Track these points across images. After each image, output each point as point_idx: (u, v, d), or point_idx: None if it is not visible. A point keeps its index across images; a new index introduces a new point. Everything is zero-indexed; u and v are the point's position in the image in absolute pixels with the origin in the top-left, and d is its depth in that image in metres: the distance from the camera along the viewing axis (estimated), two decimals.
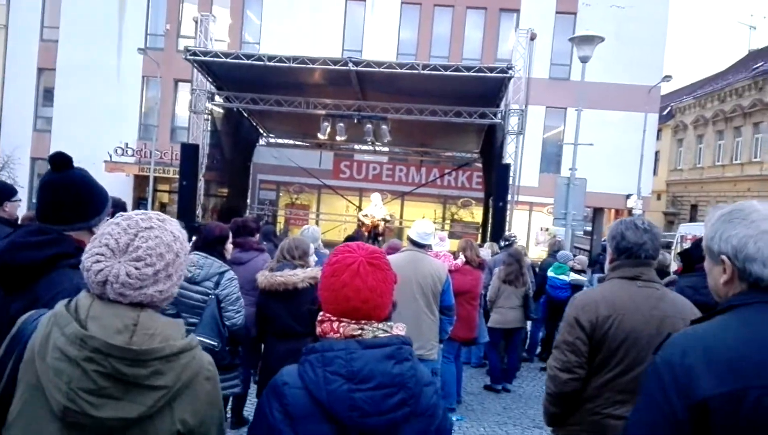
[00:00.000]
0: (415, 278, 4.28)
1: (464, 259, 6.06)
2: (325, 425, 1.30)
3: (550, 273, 7.85)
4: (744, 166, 28.36)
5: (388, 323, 1.41)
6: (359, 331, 1.36)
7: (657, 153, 38.04)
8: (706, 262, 1.49)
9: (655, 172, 38.91)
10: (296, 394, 1.32)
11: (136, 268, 1.24)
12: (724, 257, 1.39)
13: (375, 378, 1.31)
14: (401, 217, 21.20)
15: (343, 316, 1.38)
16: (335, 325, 1.38)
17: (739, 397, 1.19)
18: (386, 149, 19.03)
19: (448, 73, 11.90)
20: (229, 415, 4.73)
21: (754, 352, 1.23)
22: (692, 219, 29.31)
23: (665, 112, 33.81)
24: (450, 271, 5.77)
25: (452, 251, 6.77)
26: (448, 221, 22.25)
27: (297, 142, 19.29)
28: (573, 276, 7.76)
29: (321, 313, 1.42)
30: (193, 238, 3.86)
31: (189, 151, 13.88)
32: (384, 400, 1.31)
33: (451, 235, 14.29)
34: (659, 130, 31.07)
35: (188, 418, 1.27)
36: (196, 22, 14.66)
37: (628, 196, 20.45)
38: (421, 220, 4.72)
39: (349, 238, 11.53)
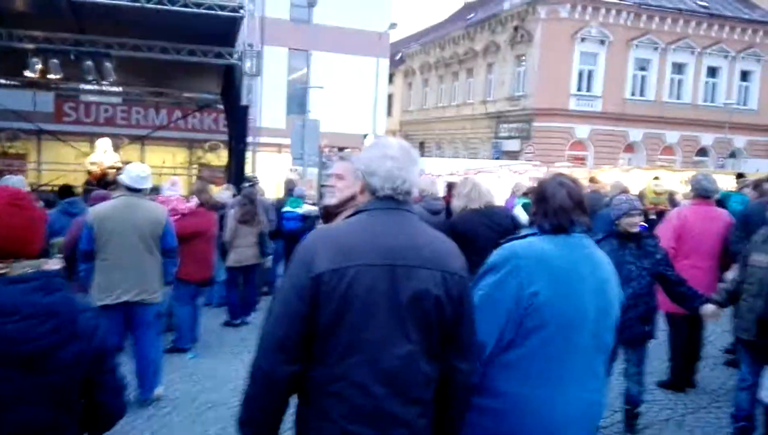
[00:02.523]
0: (132, 223, 4.26)
1: (198, 202, 6.11)
2: None
3: (285, 208, 8.32)
4: (460, 107, 32.63)
5: (39, 260, 1.52)
6: (6, 269, 1.46)
7: (391, 96, 41.39)
8: None
9: (389, 114, 42.40)
10: None
11: None
12: (359, 173, 1.81)
13: (21, 310, 1.44)
14: (144, 162, 19.78)
15: None
16: None
17: (342, 272, 1.60)
18: (118, 89, 17.38)
19: (175, 8, 11.26)
20: None
21: (359, 241, 1.66)
22: (420, 155, 32.83)
23: (397, 58, 36.77)
24: (183, 214, 5.81)
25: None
26: (195, 166, 21.47)
27: (1, 81, 16.48)
28: (306, 208, 8.31)
29: None
30: None
31: None
32: (34, 328, 1.44)
33: (201, 179, 13.92)
34: (392, 75, 33.82)
35: None
36: None
37: (365, 136, 22.08)
38: (134, 164, 4.65)
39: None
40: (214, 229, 6.38)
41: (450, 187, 7.75)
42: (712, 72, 27.78)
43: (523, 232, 2.16)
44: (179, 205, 5.88)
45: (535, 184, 2.33)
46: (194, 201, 6.12)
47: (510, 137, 27.38)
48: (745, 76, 28.18)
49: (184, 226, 5.30)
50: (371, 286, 1.60)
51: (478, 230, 4.09)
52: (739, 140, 27.93)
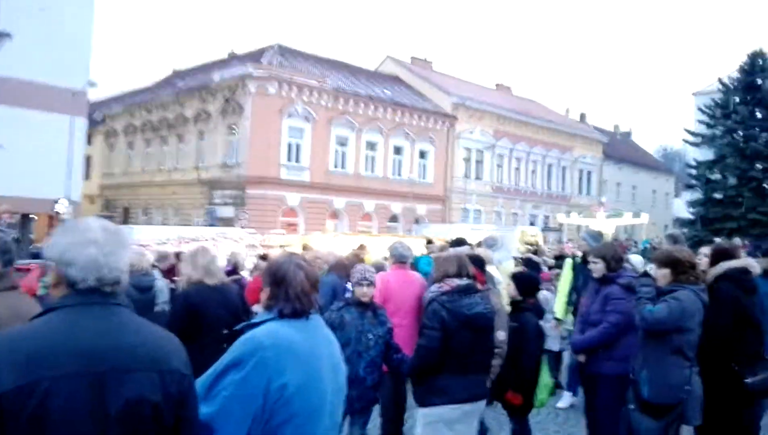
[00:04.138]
0: None
1: None
2: None
3: None
4: (170, 172, 31.39)
5: None
6: None
7: (89, 157, 37.70)
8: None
9: (88, 177, 38.45)
10: None
11: None
12: (51, 263, 1.52)
13: None
14: None
15: None
16: None
17: (31, 388, 1.30)
18: None
19: None
20: None
21: (52, 346, 1.36)
22: (125, 222, 30.46)
23: (96, 118, 33.89)
24: None
25: None
26: None
27: None
28: None
29: None
30: None
31: None
32: None
33: None
34: (90, 136, 30.94)
35: None
36: None
37: (56, 201, 19.52)
38: None
39: None
40: None
41: (178, 256, 7.30)
42: (398, 150, 32.31)
43: (260, 317, 2.03)
44: None
45: (269, 264, 2.22)
46: None
47: (224, 204, 27.30)
48: (423, 154, 33.46)
49: None
50: (70, 401, 1.34)
51: (211, 309, 3.80)
52: (421, 208, 32.76)
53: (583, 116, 49.52)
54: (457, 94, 35.03)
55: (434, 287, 3.83)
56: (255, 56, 29.68)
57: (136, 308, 4.40)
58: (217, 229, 18.10)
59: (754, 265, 4.51)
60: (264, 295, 2.07)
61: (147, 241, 12.36)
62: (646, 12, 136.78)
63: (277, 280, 2.03)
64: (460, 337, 3.67)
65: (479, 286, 4.03)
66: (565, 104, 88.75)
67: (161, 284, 5.68)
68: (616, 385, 4.13)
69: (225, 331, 3.56)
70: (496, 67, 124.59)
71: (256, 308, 2.30)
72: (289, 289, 1.99)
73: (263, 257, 8.69)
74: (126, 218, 32.32)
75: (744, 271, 4.28)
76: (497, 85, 44.33)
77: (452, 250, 5.88)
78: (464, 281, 3.78)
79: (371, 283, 4.19)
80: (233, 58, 33.08)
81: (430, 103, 34.41)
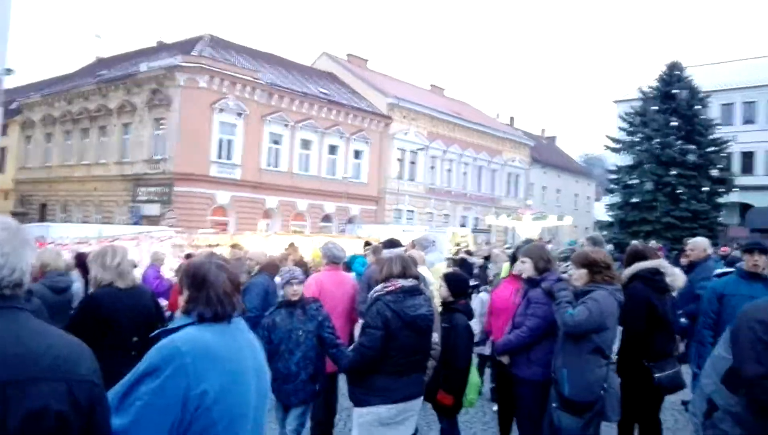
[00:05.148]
0: None
1: None
2: None
3: None
4: (91, 167, 29.84)
5: None
6: None
7: (3, 149, 35.50)
8: None
9: (1, 170, 36.17)
10: None
11: None
12: None
13: None
14: None
15: None
16: None
17: None
18: None
19: None
20: None
21: None
22: (42, 219, 28.78)
23: (12, 107, 31.84)
24: None
25: None
26: None
27: None
28: None
29: None
30: None
31: None
32: None
33: None
34: (6, 126, 29.10)
35: None
36: None
37: None
38: None
39: None
40: None
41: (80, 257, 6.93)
42: (333, 149, 32.17)
43: (177, 322, 1.93)
44: None
45: (187, 266, 2.10)
46: None
47: (150, 201, 26.26)
48: (357, 154, 33.47)
49: None
50: None
51: (123, 313, 3.54)
52: (355, 208, 32.76)
53: (512, 120, 51.11)
54: (392, 94, 35.27)
55: (379, 287, 3.86)
56: (185, 46, 28.69)
57: (50, 311, 4.13)
58: (141, 228, 17.39)
59: (666, 265, 4.77)
60: (182, 299, 1.97)
61: (65, 240, 11.71)
62: (574, 22, 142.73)
63: (196, 282, 1.94)
64: (402, 338, 3.72)
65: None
66: (496, 108, 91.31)
67: (79, 286, 5.39)
68: (537, 389, 4.25)
69: (135, 339, 3.40)
70: (429, 68, 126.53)
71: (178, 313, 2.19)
72: (211, 292, 1.91)
73: (190, 257, 8.42)
74: (43, 215, 30.50)
75: (655, 272, 4.51)
76: (431, 86, 44.98)
77: (386, 251, 5.89)
78: (409, 282, 3.84)
79: (300, 282, 4.41)
80: (162, 48, 31.85)
81: (366, 103, 34.46)
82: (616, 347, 4.10)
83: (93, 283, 3.67)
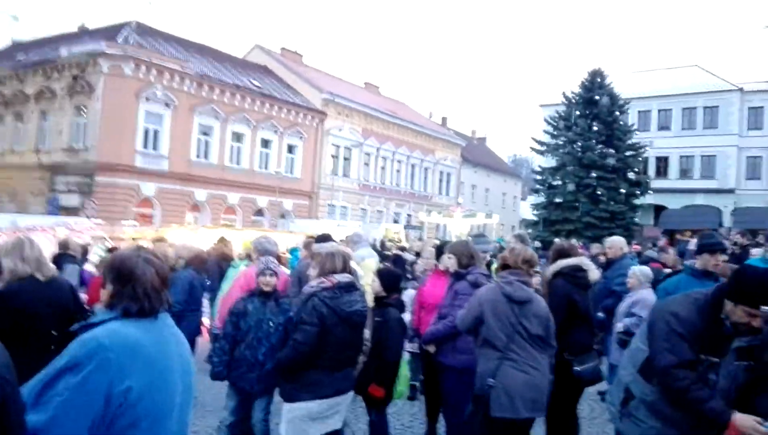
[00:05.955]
0: None
1: None
2: None
3: None
4: (5, 155, 28.03)
5: None
6: None
7: None
8: None
9: None
10: None
11: None
12: None
13: None
14: None
15: None
16: None
17: None
18: None
19: None
20: None
21: None
22: None
23: None
24: None
25: None
26: None
27: None
28: None
29: None
30: None
31: None
32: None
33: None
34: None
35: None
36: None
37: None
38: None
39: None
40: None
41: None
42: (266, 143, 31.62)
43: (99, 316, 1.85)
44: None
45: (112, 259, 2.03)
46: None
47: (69, 191, 24.92)
48: (291, 149, 33.04)
49: None
50: None
51: (40, 308, 3.30)
52: (288, 203, 32.36)
53: (444, 120, 51.97)
54: (327, 89, 35.05)
55: (314, 282, 3.85)
56: (109, 33, 27.33)
57: None
58: (58, 219, 16.49)
59: (588, 263, 5.01)
60: (106, 293, 1.90)
61: None
62: (506, 28, 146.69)
63: (122, 276, 1.88)
64: (337, 333, 3.74)
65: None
66: (429, 108, 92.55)
67: None
68: (462, 376, 4.38)
69: (54, 333, 3.24)
70: (364, 66, 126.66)
71: (98, 307, 2.10)
72: (137, 287, 1.86)
73: (113, 251, 8.09)
74: None
75: (578, 268, 4.74)
76: (366, 83, 45.05)
77: (316, 246, 5.88)
78: (346, 278, 3.85)
79: (274, 273, 4.40)
80: (84, 33, 30.23)
81: (300, 97, 34.08)
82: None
83: (8, 276, 3.39)
